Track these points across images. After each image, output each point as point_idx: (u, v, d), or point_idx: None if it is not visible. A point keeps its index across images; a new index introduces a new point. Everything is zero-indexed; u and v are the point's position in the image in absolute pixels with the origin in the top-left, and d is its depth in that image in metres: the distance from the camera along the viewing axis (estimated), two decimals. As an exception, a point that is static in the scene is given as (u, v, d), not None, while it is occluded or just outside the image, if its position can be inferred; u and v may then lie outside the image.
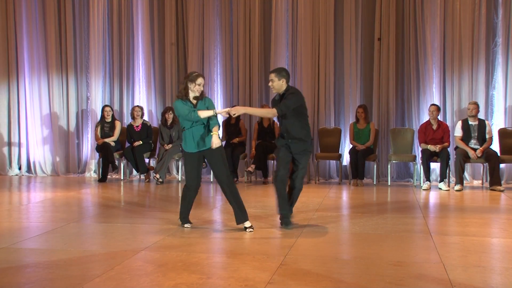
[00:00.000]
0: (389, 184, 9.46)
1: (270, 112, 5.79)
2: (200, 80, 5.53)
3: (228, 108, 5.64)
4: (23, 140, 11.07)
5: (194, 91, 5.55)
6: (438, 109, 9.24)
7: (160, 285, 3.76)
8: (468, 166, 9.57)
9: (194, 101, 5.58)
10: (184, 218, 5.71)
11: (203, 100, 5.59)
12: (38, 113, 10.99)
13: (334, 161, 9.91)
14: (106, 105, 10.34)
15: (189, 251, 4.67)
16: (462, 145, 8.92)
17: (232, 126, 9.91)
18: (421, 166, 9.10)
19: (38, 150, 11.00)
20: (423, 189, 8.75)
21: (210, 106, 5.58)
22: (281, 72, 5.62)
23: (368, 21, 10.13)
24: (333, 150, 9.78)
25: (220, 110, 5.58)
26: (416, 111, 9.94)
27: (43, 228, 5.64)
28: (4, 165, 11.05)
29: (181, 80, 10.49)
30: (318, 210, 6.76)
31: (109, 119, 10.18)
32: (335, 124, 10.23)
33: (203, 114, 5.46)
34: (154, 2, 10.72)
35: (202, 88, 5.57)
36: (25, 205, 7.51)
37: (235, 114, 5.51)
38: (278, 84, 5.58)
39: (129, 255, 4.51)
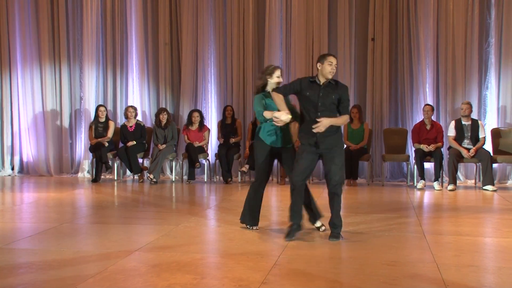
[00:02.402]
0: (382, 184, 9.49)
1: (346, 120, 5.29)
2: (278, 72, 5.33)
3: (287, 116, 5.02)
4: (16, 141, 11.02)
5: (272, 84, 5.32)
6: (433, 109, 9.28)
7: (154, 286, 3.75)
8: (461, 166, 9.61)
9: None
10: (254, 218, 5.50)
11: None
12: (31, 113, 10.95)
13: (328, 161, 9.89)
14: (100, 105, 10.31)
15: (183, 252, 4.67)
16: (455, 145, 8.95)
17: (228, 126, 9.89)
18: (415, 166, 9.13)
19: (31, 150, 10.95)
20: (418, 188, 8.77)
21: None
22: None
23: (362, 21, 10.15)
24: (327, 150, 9.78)
25: (284, 115, 4.99)
26: (410, 111, 9.96)
27: (36, 228, 5.61)
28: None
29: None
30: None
31: (103, 119, 10.15)
32: (328, 124, 10.21)
33: (267, 114, 5.17)
34: (148, 1, 10.69)
35: (281, 80, 5.35)
36: (18, 206, 7.48)
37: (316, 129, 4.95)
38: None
39: (123, 255, 4.49)
